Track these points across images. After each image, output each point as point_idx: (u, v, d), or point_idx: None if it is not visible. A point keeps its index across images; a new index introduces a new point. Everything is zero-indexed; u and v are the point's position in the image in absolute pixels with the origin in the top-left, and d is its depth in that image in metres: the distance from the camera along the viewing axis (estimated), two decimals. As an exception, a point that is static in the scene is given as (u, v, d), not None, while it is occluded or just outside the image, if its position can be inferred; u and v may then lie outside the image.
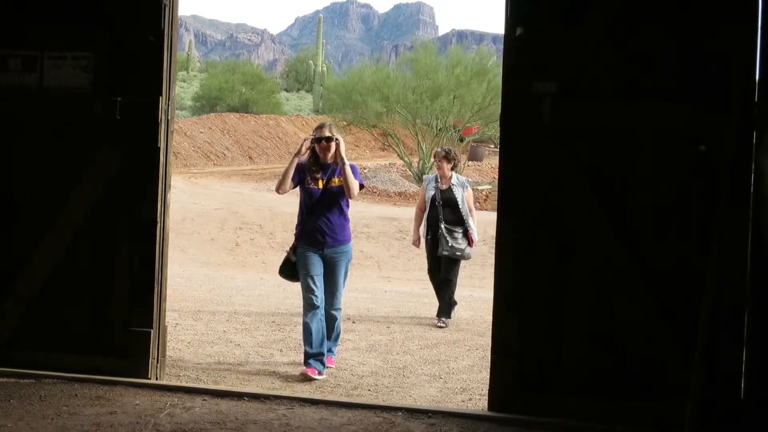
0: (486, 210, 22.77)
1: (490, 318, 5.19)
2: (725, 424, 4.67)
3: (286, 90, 57.03)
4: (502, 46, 5.22)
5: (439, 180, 9.11)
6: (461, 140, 31.71)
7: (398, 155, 31.56)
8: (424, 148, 29.39)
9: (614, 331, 4.92)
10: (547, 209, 5.01)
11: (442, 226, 8.86)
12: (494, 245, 5.28)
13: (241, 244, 16.99)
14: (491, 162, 34.27)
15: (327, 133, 6.33)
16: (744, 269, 4.71)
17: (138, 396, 5.20)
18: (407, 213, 18.72)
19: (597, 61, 4.95)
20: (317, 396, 5.53)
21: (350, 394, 5.83)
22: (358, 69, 35.53)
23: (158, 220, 5.51)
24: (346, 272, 6.55)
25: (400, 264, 15.77)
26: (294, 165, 6.34)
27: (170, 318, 7.79)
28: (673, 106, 4.86)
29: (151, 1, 5.47)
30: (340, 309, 6.58)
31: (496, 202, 5.48)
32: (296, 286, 6.65)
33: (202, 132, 37.43)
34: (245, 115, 42.29)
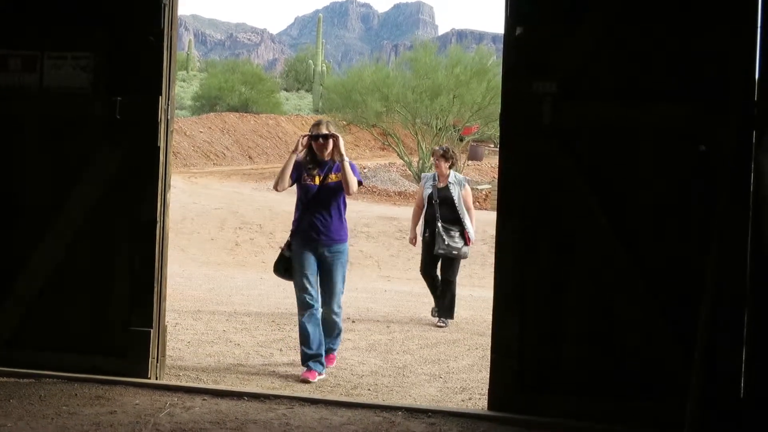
0: (486, 209, 22.78)
1: (490, 317, 5.19)
2: (725, 424, 4.67)
3: (286, 89, 57.02)
4: (501, 46, 5.22)
5: (436, 178, 9.12)
6: (461, 140, 31.73)
7: (398, 155, 31.59)
8: (423, 148, 29.40)
9: (614, 331, 4.92)
10: (547, 209, 5.01)
11: (439, 224, 8.87)
12: (494, 245, 5.28)
13: (240, 244, 17.00)
14: (491, 161, 34.30)
15: (324, 131, 6.29)
16: (744, 269, 4.71)
17: (138, 396, 5.20)
18: (407, 212, 18.70)
19: (597, 61, 4.95)
20: (317, 395, 5.53)
21: (350, 394, 5.83)
22: (358, 68, 35.55)
23: (158, 219, 5.51)
24: (343, 273, 6.44)
25: (400, 263, 15.77)
26: (292, 162, 6.30)
27: (170, 318, 7.79)
28: (673, 106, 4.86)
29: (151, 1, 5.46)
30: (339, 311, 6.46)
31: (495, 202, 5.47)
32: (296, 286, 6.64)
33: (201, 132, 37.44)
34: (245, 114, 42.29)
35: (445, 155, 9.15)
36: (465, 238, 8.94)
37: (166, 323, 5.71)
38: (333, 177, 6.29)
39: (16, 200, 5.67)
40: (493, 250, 5.30)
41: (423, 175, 9.98)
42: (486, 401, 5.21)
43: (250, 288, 11.54)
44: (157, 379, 5.56)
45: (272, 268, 6.58)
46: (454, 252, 8.90)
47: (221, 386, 5.72)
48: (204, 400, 5.20)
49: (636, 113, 4.93)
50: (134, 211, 5.51)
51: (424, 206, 9.12)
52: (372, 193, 26.49)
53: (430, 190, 9.06)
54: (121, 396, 5.17)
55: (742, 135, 4.68)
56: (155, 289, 5.52)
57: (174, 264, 10.58)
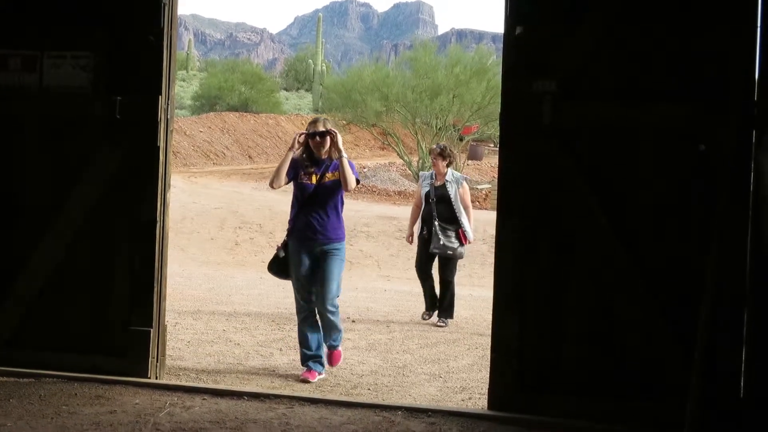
0: (485, 209, 22.78)
1: (490, 317, 5.19)
2: (725, 424, 4.68)
3: (286, 89, 57.00)
4: (501, 45, 5.22)
5: (434, 177, 9.11)
6: (461, 139, 31.72)
7: (398, 154, 31.58)
8: (423, 147, 29.40)
9: (614, 331, 4.92)
10: (547, 209, 5.01)
11: (436, 223, 8.86)
12: (494, 244, 5.28)
13: (240, 244, 16.99)
14: (491, 161, 34.30)
15: (321, 128, 6.19)
16: (744, 269, 4.71)
17: (138, 395, 5.19)
18: (407, 212, 18.71)
19: (597, 61, 4.95)
20: (317, 395, 5.53)
21: (350, 393, 5.83)
22: (358, 68, 35.54)
23: (158, 219, 5.51)
24: (339, 271, 6.26)
25: (400, 263, 15.76)
26: (288, 159, 6.20)
27: (170, 317, 7.79)
28: (673, 105, 4.86)
29: (151, 1, 5.46)
30: (336, 310, 6.23)
31: (495, 202, 5.47)
32: (296, 286, 6.63)
33: (201, 131, 37.43)
34: (245, 114, 42.28)
35: (443, 153, 9.13)
36: (461, 238, 8.92)
37: (166, 323, 5.71)
38: (330, 176, 6.20)
39: (16, 200, 5.67)
40: (493, 250, 5.31)
41: (421, 173, 9.98)
42: (486, 401, 5.21)
43: (250, 287, 11.54)
44: (156, 378, 5.56)
45: (267, 267, 6.51)
46: (449, 252, 8.90)
47: (221, 386, 5.72)
48: (204, 399, 5.20)
49: (636, 113, 4.93)
50: (134, 211, 5.51)
51: (422, 205, 9.12)
52: (372, 192, 26.49)
53: (427, 189, 9.06)
54: (121, 395, 5.17)
55: (742, 135, 4.68)
56: (155, 289, 5.52)
57: (174, 263, 10.58)
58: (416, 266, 9.30)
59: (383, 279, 14.30)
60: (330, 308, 6.16)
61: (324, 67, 53.54)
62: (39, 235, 5.58)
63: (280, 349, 7.25)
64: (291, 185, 6.37)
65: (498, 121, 5.27)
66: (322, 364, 6.25)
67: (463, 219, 8.95)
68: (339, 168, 6.14)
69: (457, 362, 7.10)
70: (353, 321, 9.05)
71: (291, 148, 6.23)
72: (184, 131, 35.82)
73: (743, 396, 4.72)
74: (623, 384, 4.90)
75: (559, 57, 4.97)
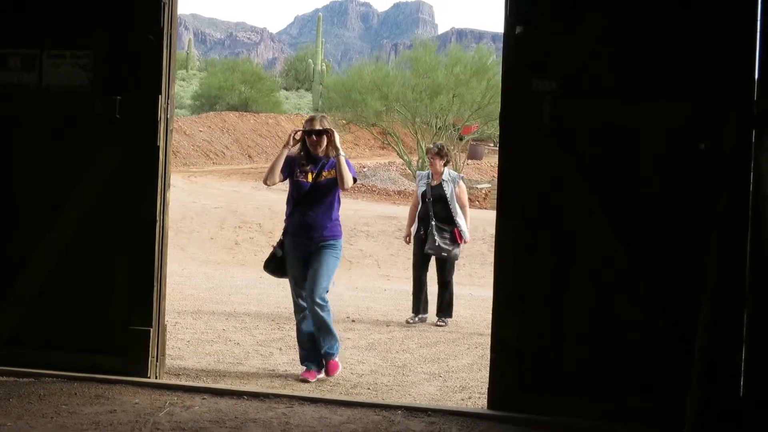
0: (485, 208, 22.79)
1: (490, 316, 5.19)
2: (725, 424, 4.67)
3: (286, 89, 56.96)
4: (501, 45, 5.22)
5: (430, 176, 9.06)
6: (460, 139, 31.72)
7: (398, 154, 31.57)
8: (423, 147, 29.38)
9: (614, 331, 4.92)
10: (547, 208, 5.01)
11: (433, 223, 8.81)
12: (494, 244, 5.28)
13: (240, 243, 16.99)
14: (491, 160, 34.28)
15: (318, 126, 6.10)
16: (744, 269, 4.71)
17: (137, 395, 5.19)
18: (407, 211, 18.74)
19: (597, 60, 4.95)
20: (317, 395, 5.53)
21: (350, 393, 5.83)
22: (358, 67, 35.52)
23: (158, 218, 5.51)
24: (332, 266, 6.11)
25: (400, 262, 15.75)
26: (282, 156, 6.12)
27: (170, 317, 7.78)
28: (673, 104, 4.86)
29: (151, 0, 5.46)
30: (324, 305, 6.04)
31: (495, 201, 5.46)
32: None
33: (201, 131, 37.41)
34: (245, 113, 42.25)
35: (440, 153, 9.07)
36: (456, 238, 8.85)
37: (165, 322, 5.71)
38: (326, 174, 6.10)
39: (15, 200, 5.67)
40: (493, 249, 5.30)
41: (418, 173, 9.92)
42: (486, 400, 5.21)
43: (250, 287, 11.54)
44: (156, 378, 5.56)
45: (263, 265, 6.44)
46: (443, 254, 8.85)
47: (221, 385, 5.72)
48: (203, 399, 5.20)
49: (636, 112, 4.92)
50: (134, 210, 5.50)
51: (419, 204, 9.08)
52: (372, 192, 26.49)
53: (424, 188, 9.02)
54: (121, 395, 5.17)
55: (742, 134, 4.68)
56: (155, 288, 5.52)
57: (174, 263, 10.58)
58: (413, 269, 9.18)
59: (383, 278, 14.30)
60: (318, 301, 6.00)
61: (324, 67, 53.49)
62: (39, 235, 5.58)
63: (280, 349, 7.24)
64: (287, 183, 6.28)
65: (498, 121, 5.27)
66: (319, 364, 6.23)
67: (460, 219, 8.90)
68: (336, 166, 6.06)
69: (456, 362, 7.10)
70: (353, 320, 9.05)
71: (286, 145, 6.15)
72: (183, 131, 35.81)
73: (743, 396, 4.71)
74: (623, 384, 4.90)
75: (559, 56, 4.97)
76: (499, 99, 5.25)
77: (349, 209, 20.56)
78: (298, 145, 6.21)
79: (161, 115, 5.48)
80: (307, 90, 55.74)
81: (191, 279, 12.25)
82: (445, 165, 9.09)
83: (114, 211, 5.53)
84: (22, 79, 5.64)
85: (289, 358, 6.83)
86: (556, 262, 5.00)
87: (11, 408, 4.81)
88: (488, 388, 5.17)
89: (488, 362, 5.27)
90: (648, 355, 4.87)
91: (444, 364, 6.98)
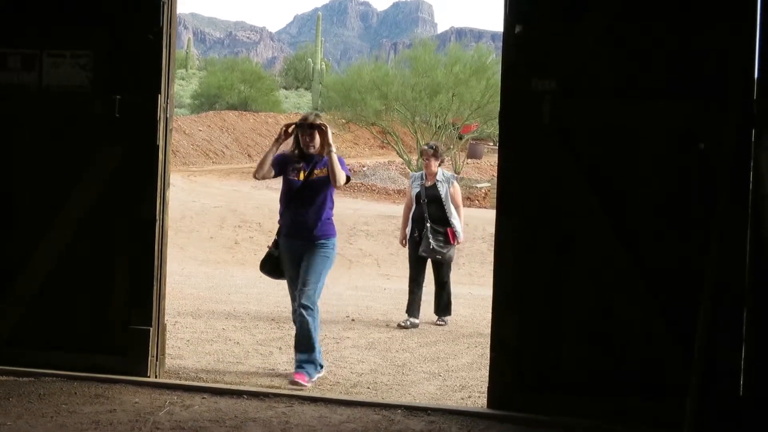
0: (485, 208, 22.79)
1: (489, 316, 5.19)
2: (724, 423, 4.68)
3: (285, 88, 56.93)
4: (500, 44, 5.22)
5: (424, 177, 8.94)
6: (460, 138, 31.72)
7: (397, 153, 31.56)
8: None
9: (614, 330, 4.92)
10: (547, 208, 5.01)
11: (428, 225, 8.69)
12: (493, 243, 5.28)
13: (240, 242, 16.99)
14: (490, 160, 34.28)
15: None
16: (743, 268, 4.71)
17: (137, 394, 5.20)
18: (406, 211, 18.70)
19: (597, 60, 4.95)
20: (316, 394, 5.53)
21: (349, 392, 5.83)
22: (357, 67, 35.51)
23: (157, 218, 5.51)
24: (323, 268, 5.99)
25: (399, 262, 15.73)
26: (273, 150, 6.03)
27: (169, 316, 7.79)
28: (672, 104, 4.86)
29: (150, 0, 5.46)
30: (310, 308, 5.87)
31: (495, 200, 5.46)
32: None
33: (201, 130, 37.40)
34: (244, 113, 42.24)
35: (436, 154, 8.97)
36: (450, 239, 8.74)
37: (165, 322, 5.71)
38: (318, 172, 5.98)
39: (16, 200, 5.67)
40: (493, 249, 5.30)
41: (411, 174, 9.82)
42: (485, 399, 5.21)
43: (250, 286, 11.53)
44: (156, 377, 5.57)
45: (259, 266, 6.38)
46: (438, 256, 8.73)
47: (220, 384, 5.72)
48: (203, 398, 5.20)
49: (636, 111, 4.93)
50: (134, 210, 5.50)
51: (412, 206, 8.94)
52: (371, 191, 26.48)
53: (418, 189, 8.89)
54: (121, 394, 5.17)
55: (741, 133, 4.68)
56: (155, 288, 5.52)
57: (173, 262, 10.58)
58: (410, 272, 9.00)
59: (383, 278, 14.30)
60: (304, 303, 5.87)
61: (323, 66, 53.46)
62: (39, 235, 5.58)
63: (280, 348, 7.25)
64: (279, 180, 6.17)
65: (497, 120, 5.27)
66: (320, 365, 6.22)
67: (454, 219, 8.80)
68: (328, 163, 5.95)
69: (456, 361, 7.10)
70: (352, 320, 9.05)
71: (278, 139, 6.07)
72: (183, 130, 35.80)
73: (743, 395, 4.72)
74: (623, 383, 4.90)
75: (559, 56, 4.97)
76: (498, 98, 5.25)
77: (349, 208, 20.55)
78: (292, 143, 6.13)
79: (161, 114, 5.48)
80: (306, 89, 55.73)
81: (191, 278, 12.25)
82: (439, 165, 9.02)
83: (114, 210, 5.53)
84: (22, 79, 5.64)
85: (289, 358, 6.83)
86: (556, 261, 5.00)
87: (11, 407, 4.82)
88: (488, 388, 5.17)
89: (488, 361, 5.27)
90: (647, 354, 4.87)
91: (444, 363, 6.99)
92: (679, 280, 4.83)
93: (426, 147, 9.20)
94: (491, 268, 5.27)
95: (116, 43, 5.53)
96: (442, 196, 8.81)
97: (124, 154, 5.50)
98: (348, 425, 4.74)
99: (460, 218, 8.95)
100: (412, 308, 8.80)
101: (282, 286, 10.43)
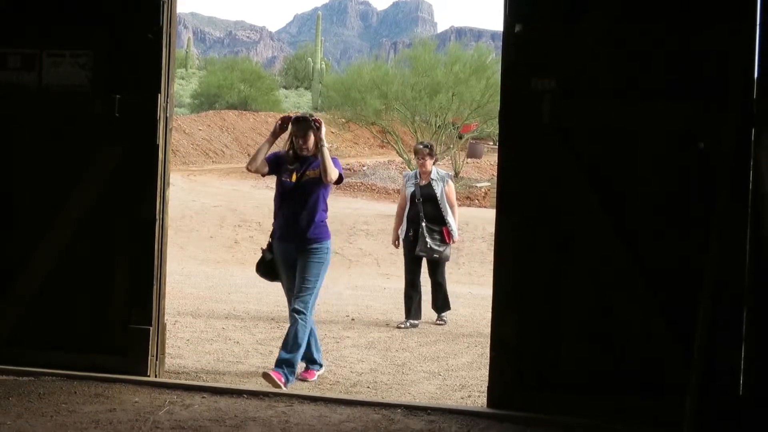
0: (485, 207, 22.79)
1: (489, 315, 5.19)
2: (724, 423, 4.68)
3: (285, 87, 56.89)
4: (500, 44, 5.22)
5: (418, 176, 8.88)
6: (460, 137, 31.68)
7: (397, 152, 31.50)
8: (422, 146, 29.26)
9: (614, 329, 4.92)
10: (547, 207, 5.01)
11: (423, 224, 8.63)
12: (493, 242, 5.28)
13: (240, 242, 17.00)
14: (490, 159, 34.26)
15: (307, 130, 5.90)
16: (743, 267, 4.72)
17: (137, 393, 5.20)
18: (406, 210, 18.68)
19: (596, 60, 4.95)
20: (316, 393, 5.54)
21: (349, 391, 5.84)
22: (357, 66, 35.46)
23: (157, 217, 5.51)
24: (317, 272, 5.89)
25: (399, 261, 15.66)
26: (267, 144, 5.98)
27: (169, 316, 7.79)
28: (672, 104, 4.86)
29: (150, -1, 5.46)
30: (303, 314, 5.79)
31: (494, 200, 5.45)
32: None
33: (200, 129, 37.40)
34: (244, 112, 42.21)
35: (431, 153, 8.91)
36: (446, 238, 8.70)
37: (165, 321, 5.72)
38: (311, 173, 5.90)
39: (16, 200, 5.67)
40: (493, 248, 5.30)
41: (405, 173, 9.72)
42: (485, 399, 5.21)
43: (250, 286, 11.54)
44: (156, 377, 5.57)
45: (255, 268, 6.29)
46: (435, 255, 8.68)
47: (220, 384, 5.72)
48: (203, 397, 5.20)
49: (635, 112, 4.93)
50: (134, 210, 5.51)
51: (406, 206, 8.86)
52: (371, 190, 26.48)
53: (412, 189, 8.81)
54: (121, 394, 5.17)
55: (741, 133, 4.69)
56: (154, 287, 5.52)
57: (173, 262, 10.58)
58: (406, 272, 8.91)
59: (383, 277, 14.30)
60: (297, 307, 5.80)
61: (323, 65, 53.44)
62: (39, 235, 5.58)
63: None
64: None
65: (497, 120, 5.27)
66: (319, 363, 6.23)
67: (449, 218, 8.74)
68: (319, 158, 5.85)
69: (456, 360, 7.10)
70: (352, 319, 9.06)
71: (273, 132, 6.01)
72: (183, 129, 35.80)
73: (742, 395, 4.72)
74: (622, 382, 4.90)
75: (559, 55, 4.97)
76: (498, 98, 5.25)
77: (349, 208, 20.56)
78: (287, 143, 6.06)
79: (160, 113, 5.48)
80: (306, 89, 55.70)
81: (191, 278, 12.26)
82: (433, 164, 8.99)
83: (114, 210, 5.53)
84: (21, 79, 5.64)
85: (289, 357, 6.82)
86: (556, 260, 5.00)
87: (11, 407, 4.82)
88: (488, 387, 5.17)
89: (488, 361, 5.27)
90: (647, 353, 4.87)
91: (443, 362, 6.99)
92: (679, 280, 4.84)
93: (421, 146, 9.09)
94: (491, 267, 5.27)
95: (116, 43, 5.53)
96: (438, 195, 8.76)
97: (124, 153, 5.50)
98: (348, 424, 4.75)
99: (455, 217, 8.89)
100: (411, 312, 8.74)
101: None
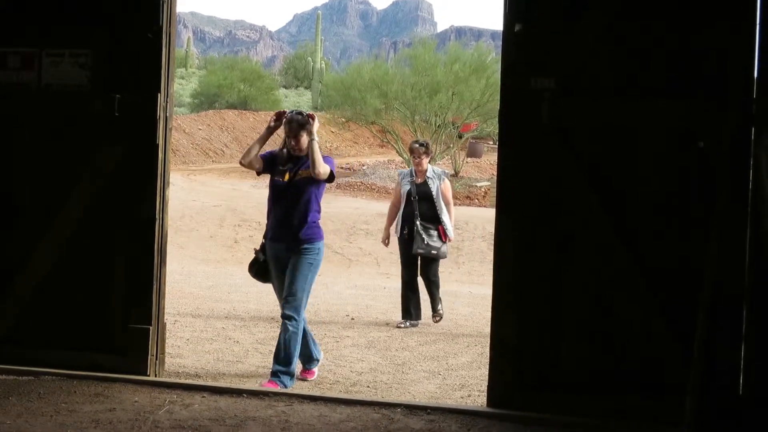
0: (484, 206, 22.78)
1: (489, 314, 5.19)
2: (724, 422, 4.68)
3: (285, 87, 56.87)
4: (500, 43, 5.22)
5: (414, 174, 8.82)
6: (460, 136, 31.69)
7: (397, 152, 31.54)
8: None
9: (613, 329, 4.92)
10: (547, 206, 5.01)
11: (418, 222, 8.58)
12: (493, 242, 5.28)
13: (240, 241, 16.99)
14: (490, 158, 34.26)
15: (300, 131, 5.81)
16: (743, 267, 4.71)
17: (137, 393, 5.19)
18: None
19: (596, 58, 4.95)
20: (316, 393, 5.54)
21: (349, 391, 5.84)
22: (357, 65, 35.47)
23: (157, 217, 5.51)
24: (308, 275, 5.81)
25: (399, 261, 15.75)
26: (261, 139, 5.89)
27: (169, 315, 7.79)
28: (672, 103, 4.86)
29: (150, -2, 5.46)
30: (293, 320, 5.72)
31: (494, 199, 5.44)
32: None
33: (200, 129, 37.40)
34: (244, 111, 42.20)
35: (428, 151, 8.86)
36: (442, 236, 8.65)
37: (165, 321, 5.71)
38: (303, 173, 5.82)
39: (16, 199, 5.67)
40: (493, 247, 5.30)
41: (399, 171, 9.66)
42: (485, 398, 5.21)
43: (249, 285, 11.50)
44: (156, 376, 5.57)
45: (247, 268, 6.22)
46: (433, 252, 8.60)
47: (220, 383, 5.72)
48: (203, 397, 5.20)
49: (635, 110, 4.93)
50: (133, 209, 5.50)
51: (400, 204, 8.81)
52: (371, 190, 26.48)
53: (408, 187, 8.74)
54: (121, 393, 5.17)
55: (741, 132, 4.68)
56: (154, 287, 5.52)
57: (173, 261, 10.58)
58: (403, 272, 8.84)
59: (382, 276, 14.29)
60: (288, 313, 5.74)
61: (323, 65, 53.42)
62: (39, 235, 5.58)
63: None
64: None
65: (497, 119, 5.26)
66: (317, 359, 6.19)
67: (444, 217, 8.68)
68: (309, 153, 5.75)
69: (456, 359, 7.10)
70: (352, 319, 9.06)
71: (268, 127, 5.93)
72: (183, 129, 35.79)
73: (742, 394, 4.72)
74: (622, 382, 4.90)
75: (559, 54, 4.97)
76: (498, 97, 5.24)
77: (349, 207, 20.55)
78: (282, 141, 5.99)
79: (160, 113, 5.48)
80: (306, 88, 55.68)
81: (191, 277, 12.26)
82: (429, 162, 8.95)
83: (114, 210, 5.53)
84: (21, 78, 5.64)
85: (289, 357, 6.82)
86: (556, 260, 5.00)
87: (11, 406, 4.82)
88: (488, 386, 5.17)
89: (488, 360, 5.27)
90: (647, 353, 4.87)
91: (443, 362, 6.99)
92: (679, 279, 4.83)
93: (417, 145, 9.00)
94: (491, 266, 5.26)
95: (116, 43, 5.52)
96: (434, 193, 8.69)
97: (124, 153, 5.50)
98: (348, 424, 4.74)
99: (450, 215, 8.81)
100: (409, 312, 8.70)
101: (282, 285, 10.45)
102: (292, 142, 5.87)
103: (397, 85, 30.47)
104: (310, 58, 56.87)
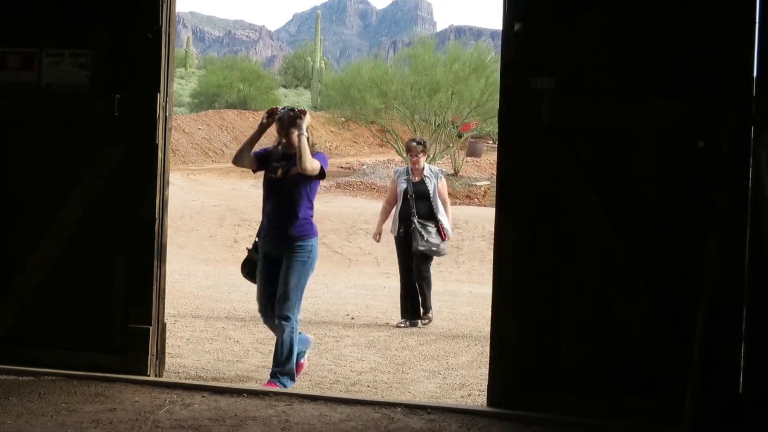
0: (484, 206, 22.78)
1: (489, 314, 5.19)
2: (724, 422, 4.68)
3: (285, 86, 56.84)
4: (500, 42, 5.22)
5: (410, 172, 8.78)
6: (459, 136, 31.70)
7: (396, 151, 31.54)
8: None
9: (613, 329, 4.92)
10: (546, 206, 5.01)
11: (415, 220, 8.53)
12: (493, 241, 5.28)
13: (239, 241, 16.98)
14: (490, 158, 34.25)
15: (291, 129, 5.69)
16: (743, 266, 4.71)
17: (137, 393, 5.20)
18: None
19: (596, 58, 4.95)
20: (316, 392, 5.54)
21: (349, 390, 5.84)
22: (356, 65, 35.49)
23: (157, 217, 5.51)
24: (301, 274, 5.73)
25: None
26: (253, 138, 5.80)
27: (169, 315, 7.79)
28: (672, 102, 4.86)
29: (150, -2, 5.45)
30: (290, 320, 5.66)
31: (494, 198, 5.44)
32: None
33: (200, 129, 37.39)
34: (243, 111, 42.20)
35: (425, 150, 8.81)
36: (441, 234, 8.63)
37: (165, 321, 5.71)
38: (295, 170, 5.69)
39: (16, 199, 5.67)
40: (492, 247, 5.30)
41: (395, 169, 9.57)
42: (485, 398, 5.21)
43: (249, 285, 11.46)
44: (156, 376, 5.57)
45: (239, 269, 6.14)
46: (433, 249, 8.55)
47: (220, 383, 5.72)
48: (203, 397, 5.20)
49: (635, 110, 4.92)
50: (133, 209, 5.50)
51: (395, 202, 8.77)
52: (371, 189, 26.47)
53: (404, 185, 8.71)
54: (121, 393, 5.17)
55: (740, 132, 4.68)
56: (154, 287, 5.52)
57: (173, 261, 10.58)
58: (401, 272, 8.79)
59: (382, 276, 14.29)
60: (283, 314, 5.68)
61: (323, 65, 53.41)
62: (39, 235, 5.58)
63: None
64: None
65: (497, 118, 5.26)
66: (303, 351, 6.05)
67: (441, 215, 8.63)
68: (296, 148, 5.63)
69: (456, 359, 7.10)
70: (352, 318, 9.06)
71: (260, 125, 5.85)
72: (182, 129, 35.79)
73: (742, 393, 4.72)
74: (622, 382, 4.90)
75: (558, 54, 4.97)
76: (497, 96, 5.24)
77: (348, 206, 20.55)
78: (278, 140, 5.87)
79: (160, 113, 5.48)
80: (305, 88, 55.68)
81: (190, 277, 12.26)
82: (426, 160, 8.91)
83: (113, 209, 5.52)
84: (21, 78, 5.64)
85: (289, 356, 6.82)
86: (555, 260, 5.00)
87: (11, 406, 4.82)
88: (488, 386, 5.17)
89: (488, 359, 5.27)
90: (647, 353, 4.87)
91: (443, 361, 6.99)
92: (679, 279, 4.83)
93: (414, 143, 8.92)
94: (491, 266, 5.26)
95: (115, 42, 5.52)
96: (431, 191, 8.66)
97: (124, 153, 5.50)
98: (348, 423, 4.75)
99: (447, 214, 8.78)
100: (408, 312, 8.68)
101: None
102: (283, 139, 5.80)
103: (397, 84, 30.48)
104: (309, 57, 56.86)
